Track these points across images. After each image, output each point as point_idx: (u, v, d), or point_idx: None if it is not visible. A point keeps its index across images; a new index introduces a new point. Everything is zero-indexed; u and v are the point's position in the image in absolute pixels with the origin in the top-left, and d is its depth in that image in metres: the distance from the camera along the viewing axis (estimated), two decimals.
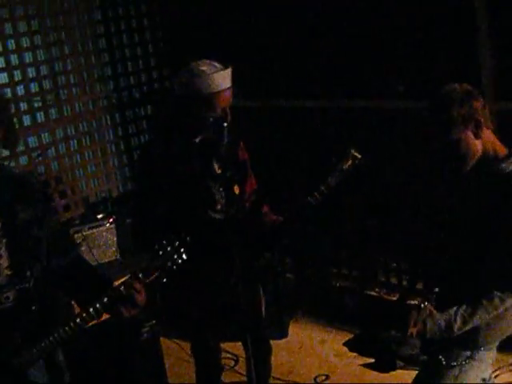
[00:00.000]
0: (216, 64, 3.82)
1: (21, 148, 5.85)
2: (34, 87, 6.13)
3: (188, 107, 3.83)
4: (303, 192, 3.84)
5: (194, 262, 3.77)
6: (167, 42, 6.91)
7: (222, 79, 3.77)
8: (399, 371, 4.95)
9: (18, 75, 6.01)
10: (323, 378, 5.10)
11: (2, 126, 2.90)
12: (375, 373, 5.06)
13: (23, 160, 6.05)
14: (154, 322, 4.71)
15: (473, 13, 4.88)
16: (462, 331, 3.15)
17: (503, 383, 4.68)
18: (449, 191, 3.39)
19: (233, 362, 5.32)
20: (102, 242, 5.56)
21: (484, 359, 3.32)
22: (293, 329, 5.76)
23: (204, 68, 3.77)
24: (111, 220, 5.66)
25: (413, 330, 3.10)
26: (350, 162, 3.73)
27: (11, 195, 2.99)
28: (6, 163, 3.66)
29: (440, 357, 3.30)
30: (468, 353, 3.29)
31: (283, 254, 5.84)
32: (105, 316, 3.03)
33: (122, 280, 3.02)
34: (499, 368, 4.73)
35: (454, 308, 3.14)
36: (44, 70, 6.20)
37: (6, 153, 2.97)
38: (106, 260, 5.60)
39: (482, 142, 3.15)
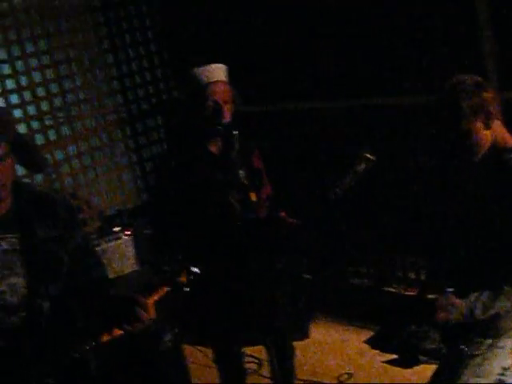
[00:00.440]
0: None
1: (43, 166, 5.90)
2: (44, 106, 6.20)
3: (193, 111, 3.90)
4: (317, 194, 3.87)
5: (213, 269, 3.84)
6: (172, 52, 6.97)
7: (212, 72, 3.85)
8: (422, 366, 4.97)
9: (27, 95, 6.08)
10: (346, 376, 5.13)
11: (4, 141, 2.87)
12: (398, 369, 5.09)
13: (38, 177, 6.13)
14: (176, 329, 4.76)
15: (473, 5, 4.91)
16: (484, 317, 3.18)
17: None
18: (460, 181, 3.42)
19: (257, 366, 5.35)
20: (120, 254, 5.61)
21: (505, 347, 3.34)
22: (313, 329, 5.80)
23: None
24: (128, 232, 5.71)
25: (440, 316, 3.14)
26: (363, 165, 3.75)
27: (31, 213, 3.02)
28: (25, 180, 3.68)
29: (462, 346, 3.33)
30: (490, 341, 3.30)
31: (300, 255, 5.89)
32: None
33: (127, 296, 3.04)
34: None
35: (475, 294, 3.18)
36: (53, 88, 6.27)
37: (21, 170, 2.98)
38: (125, 272, 5.65)
39: (492, 132, 3.18)
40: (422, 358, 5.01)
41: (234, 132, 3.56)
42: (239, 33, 6.27)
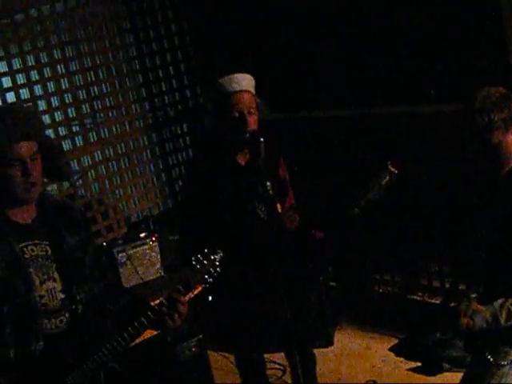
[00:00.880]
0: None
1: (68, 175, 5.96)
2: (71, 112, 6.26)
3: (218, 120, 3.92)
4: (342, 206, 3.87)
5: (238, 276, 3.86)
6: (199, 59, 7.01)
7: (237, 81, 3.87)
8: (446, 373, 4.96)
9: (55, 101, 6.15)
10: (371, 383, 5.13)
11: (30, 141, 2.91)
12: (422, 376, 5.08)
13: (65, 184, 6.19)
14: (200, 335, 4.78)
15: (501, 18, 4.90)
16: (508, 325, 3.18)
17: None
18: (488, 193, 3.42)
19: (281, 373, 5.36)
20: (145, 260, 5.63)
21: None
22: (338, 336, 5.79)
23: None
24: (154, 238, 5.73)
25: (464, 321, 3.13)
26: (387, 178, 3.75)
27: (57, 220, 3.07)
28: (49, 189, 3.73)
29: (488, 356, 3.32)
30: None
31: (325, 263, 5.89)
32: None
33: (164, 295, 3.08)
34: None
35: (500, 301, 3.17)
36: (81, 94, 6.33)
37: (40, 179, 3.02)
38: (151, 278, 5.67)
39: None
40: (445, 365, 4.99)
41: (261, 140, 3.57)
42: (266, 41, 6.30)
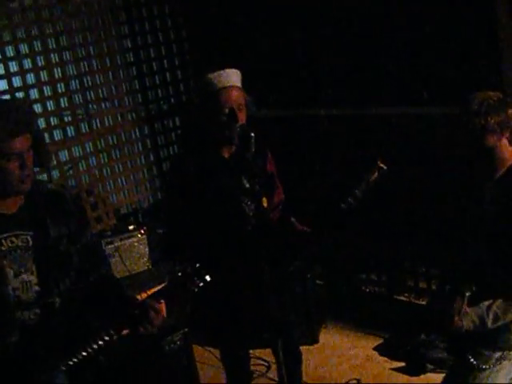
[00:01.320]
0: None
1: (52, 162, 5.96)
2: (63, 102, 6.25)
3: (206, 116, 3.91)
4: (330, 203, 3.88)
5: (224, 272, 3.86)
6: (193, 54, 7.01)
7: (227, 77, 3.85)
8: (429, 374, 4.98)
9: (48, 91, 6.13)
10: (355, 382, 5.13)
11: (25, 134, 2.93)
12: (406, 376, 5.09)
13: (55, 174, 6.18)
14: (186, 329, 4.79)
15: (494, 20, 4.92)
16: (493, 327, 3.19)
17: None
18: (480, 195, 3.43)
19: (265, 369, 5.37)
20: (133, 252, 5.63)
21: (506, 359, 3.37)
22: (323, 335, 5.80)
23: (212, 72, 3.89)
24: (142, 231, 5.74)
25: (457, 320, 3.15)
26: (376, 174, 3.76)
27: (44, 210, 3.06)
28: (39, 177, 3.72)
29: (471, 359, 3.34)
30: (499, 354, 3.33)
31: (312, 261, 5.90)
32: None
33: (142, 299, 3.09)
34: None
35: (486, 303, 3.19)
36: (74, 84, 6.32)
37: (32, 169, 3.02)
38: (138, 270, 5.68)
39: None
40: (429, 366, 5.01)
41: (252, 134, 3.57)
42: (260, 38, 6.30)
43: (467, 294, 3.18)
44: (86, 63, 6.37)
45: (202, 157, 3.97)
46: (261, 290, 3.63)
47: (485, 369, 3.34)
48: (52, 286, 3.03)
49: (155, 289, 3.19)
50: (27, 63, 6.00)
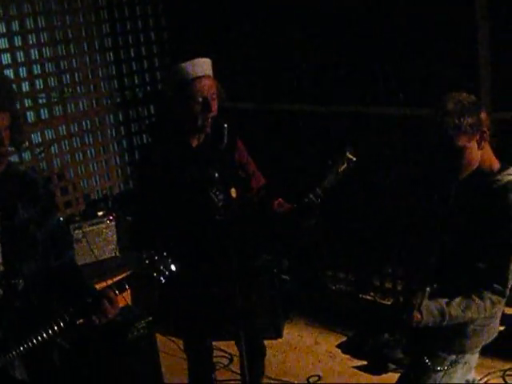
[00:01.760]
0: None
1: (24, 144, 5.91)
2: (39, 84, 6.20)
3: (178, 105, 3.90)
4: (299, 194, 3.88)
5: (191, 263, 3.86)
6: (172, 42, 6.99)
7: (200, 66, 3.83)
8: (390, 374, 5.01)
9: (23, 72, 6.08)
10: (316, 378, 5.16)
11: (5, 112, 2.91)
12: (367, 375, 5.12)
13: (26, 156, 6.14)
14: (150, 318, 4.78)
15: (474, 23, 4.95)
16: (451, 322, 3.21)
17: None
18: (444, 196, 3.46)
19: (227, 361, 5.38)
20: (101, 238, 5.63)
21: (468, 362, 3.41)
22: (288, 329, 5.82)
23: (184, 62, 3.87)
24: (111, 217, 5.73)
25: (416, 315, 3.17)
26: (345, 165, 3.78)
27: (15, 192, 3.03)
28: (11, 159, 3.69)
29: (426, 360, 3.38)
30: (453, 357, 3.37)
31: (280, 255, 5.91)
32: None
33: (100, 289, 3.08)
34: (489, 373, 4.80)
35: (446, 300, 3.21)
36: (50, 67, 6.27)
37: (10, 149, 2.99)
38: (105, 257, 5.67)
39: (482, 153, 3.23)
40: (391, 366, 5.05)
41: (225, 125, 3.56)
42: (240, 29, 6.30)
43: (428, 290, 3.20)
44: (63, 46, 6.32)
45: (171, 146, 3.96)
46: (227, 282, 3.62)
47: (439, 370, 3.38)
48: (17, 267, 2.99)
49: (120, 276, 3.17)
50: (3, 43, 5.94)
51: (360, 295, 5.91)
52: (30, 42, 6.09)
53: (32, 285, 3.05)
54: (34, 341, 2.88)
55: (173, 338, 5.56)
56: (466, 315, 3.21)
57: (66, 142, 6.43)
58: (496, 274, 3.19)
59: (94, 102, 6.62)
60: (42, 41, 6.18)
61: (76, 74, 6.44)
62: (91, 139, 6.61)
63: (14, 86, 5.90)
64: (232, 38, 6.37)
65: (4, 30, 5.92)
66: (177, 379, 5.08)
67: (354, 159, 3.80)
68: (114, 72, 6.76)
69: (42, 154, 6.19)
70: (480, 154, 3.22)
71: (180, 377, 4.95)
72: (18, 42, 6.00)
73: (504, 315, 4.68)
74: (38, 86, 6.18)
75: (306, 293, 6.09)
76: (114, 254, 5.68)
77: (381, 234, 5.61)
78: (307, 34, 5.86)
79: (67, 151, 6.41)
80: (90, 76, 6.54)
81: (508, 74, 4.94)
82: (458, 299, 3.21)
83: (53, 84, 6.32)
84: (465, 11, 4.96)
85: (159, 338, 5.17)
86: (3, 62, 5.92)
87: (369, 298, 5.87)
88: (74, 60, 6.41)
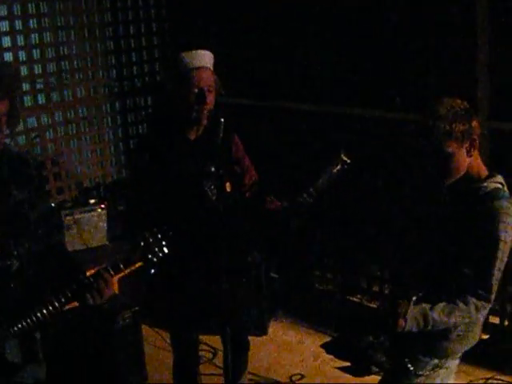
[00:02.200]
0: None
1: (20, 128, 5.91)
2: (37, 69, 6.19)
3: (176, 95, 3.90)
4: (292, 192, 3.90)
5: (181, 256, 3.86)
6: (174, 34, 6.98)
7: (199, 57, 3.84)
8: (373, 376, 5.01)
9: (22, 56, 6.07)
10: (299, 377, 5.18)
11: (5, 99, 2.92)
12: (349, 376, 5.11)
13: (21, 140, 6.13)
14: (136, 308, 4.78)
15: (474, 30, 4.97)
16: (435, 327, 3.23)
17: None
18: (432, 201, 3.48)
19: (211, 355, 5.39)
20: (92, 226, 5.62)
21: (450, 367, 3.42)
22: (273, 327, 5.84)
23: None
24: (103, 206, 5.72)
25: (401, 323, 3.18)
26: (339, 166, 3.79)
27: (8, 174, 3.05)
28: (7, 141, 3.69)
29: (408, 365, 3.39)
30: (436, 361, 3.39)
31: (270, 253, 5.92)
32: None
33: (95, 270, 3.08)
34: (471, 381, 4.82)
35: (430, 305, 3.23)
36: (49, 52, 6.26)
37: (6, 131, 3.00)
38: (95, 244, 5.66)
39: (471, 160, 3.24)
40: (374, 369, 5.04)
41: (221, 119, 3.56)
42: (241, 23, 6.31)
43: (414, 299, 3.21)
44: (64, 32, 6.31)
45: (168, 137, 3.97)
46: (216, 276, 3.63)
47: (420, 375, 3.41)
48: (11, 248, 3.01)
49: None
50: (4, 26, 5.93)
51: (347, 297, 5.93)
52: (31, 26, 6.08)
53: (26, 265, 3.06)
54: (29, 321, 2.89)
55: (159, 330, 5.56)
56: (449, 320, 3.23)
57: (62, 129, 6.42)
58: (481, 279, 3.20)
59: (91, 90, 6.61)
60: (43, 26, 6.16)
61: (75, 61, 6.43)
62: (87, 127, 6.60)
63: (13, 69, 5.92)
64: (233, 32, 6.37)
65: (5, 13, 5.90)
66: (161, 371, 5.09)
67: (349, 161, 3.81)
68: (113, 61, 6.76)
69: (37, 139, 6.18)
70: (469, 160, 3.23)
71: (164, 369, 4.96)
72: (19, 25, 5.99)
73: (488, 324, 4.75)
74: (36, 71, 6.17)
75: (294, 292, 6.11)
76: (103, 243, 5.67)
77: (370, 236, 5.62)
78: (308, 33, 5.88)
79: (62, 137, 6.40)
80: (89, 64, 6.53)
81: (507, 84, 4.97)
82: (442, 304, 3.22)
83: (51, 70, 6.31)
84: (465, 17, 4.98)
85: (145, 329, 5.17)
86: (3, 45, 5.91)
87: (356, 300, 5.88)
88: (73, 47, 6.41)
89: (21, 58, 6.05)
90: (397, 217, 5.25)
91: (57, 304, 2.94)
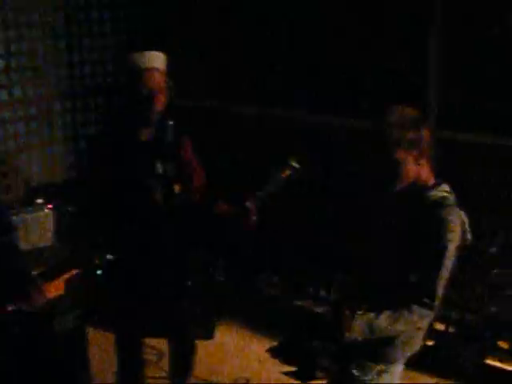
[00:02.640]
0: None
1: None
2: None
3: (128, 95, 3.89)
4: (241, 196, 3.90)
5: (128, 257, 3.84)
6: (129, 35, 6.94)
7: (150, 58, 3.83)
8: (318, 382, 5.03)
9: None
10: (243, 381, 5.18)
11: None
12: (294, 381, 5.14)
13: None
14: (81, 310, 4.73)
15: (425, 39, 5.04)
16: (380, 335, 3.26)
17: None
18: (378, 207, 3.51)
19: (156, 358, 5.36)
20: (38, 226, 5.57)
21: (394, 372, 3.45)
22: (219, 331, 5.83)
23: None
24: (50, 206, 5.67)
25: (347, 333, 3.20)
26: (288, 172, 3.81)
27: None
28: None
29: (353, 370, 3.42)
30: (380, 367, 3.41)
31: (217, 255, 5.92)
32: None
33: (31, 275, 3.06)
34: None
35: (375, 313, 3.25)
36: None
37: None
38: (42, 245, 5.61)
39: (419, 168, 3.28)
40: (319, 374, 5.06)
41: (170, 122, 3.56)
42: (194, 25, 6.30)
43: (359, 313, 3.24)
44: (14, 30, 6.24)
45: (119, 138, 3.94)
46: (160, 278, 3.62)
47: (365, 380, 3.43)
48: None
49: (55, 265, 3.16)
50: None
51: (294, 301, 5.94)
52: None
53: None
54: None
55: (104, 332, 5.51)
56: (394, 328, 3.25)
57: (11, 127, 6.34)
58: (426, 287, 3.23)
59: (42, 88, 6.54)
60: None
61: (25, 59, 6.35)
62: (37, 126, 6.53)
63: None
64: (187, 34, 6.36)
65: None
66: (106, 373, 5.05)
67: (298, 166, 3.83)
68: (64, 60, 6.69)
69: None
70: (417, 168, 3.27)
71: (109, 371, 4.92)
72: None
73: (433, 330, 4.79)
74: None
75: (241, 295, 6.10)
76: (50, 243, 5.62)
77: (319, 242, 5.65)
78: (260, 35, 5.90)
79: (11, 136, 6.32)
80: (41, 62, 6.46)
81: (455, 94, 5.05)
82: (387, 312, 3.24)
83: (1, 67, 6.23)
84: (418, 26, 5.05)
85: (91, 330, 5.12)
86: None
87: (303, 304, 5.90)
88: (24, 44, 6.33)
89: None
90: (346, 223, 5.29)
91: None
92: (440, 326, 5.13)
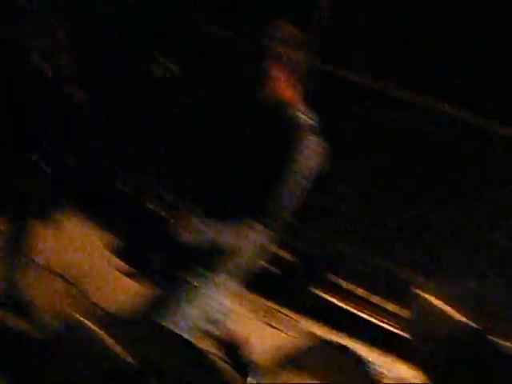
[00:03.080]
0: None
1: None
2: None
3: None
4: None
5: None
6: None
7: None
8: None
9: None
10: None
11: None
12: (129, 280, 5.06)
13: None
14: None
15: None
16: (214, 242, 3.29)
17: None
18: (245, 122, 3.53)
19: None
20: None
21: (223, 285, 3.46)
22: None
23: None
24: None
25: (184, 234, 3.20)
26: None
27: None
28: None
29: (181, 274, 3.43)
30: (209, 274, 3.43)
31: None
32: None
33: None
34: (255, 310, 4.92)
35: (213, 220, 3.29)
36: None
37: None
38: None
39: (288, 88, 3.32)
40: (157, 278, 5.05)
41: None
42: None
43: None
44: None
45: None
46: None
47: (193, 285, 3.41)
48: None
49: None
50: None
51: (141, 202, 5.87)
52: None
53: None
54: None
55: None
56: (227, 238, 3.28)
57: None
58: (267, 201, 3.25)
59: None
60: None
61: None
62: None
63: None
64: None
65: None
66: None
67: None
68: None
69: None
70: (287, 88, 3.31)
71: None
72: None
73: (278, 258, 4.86)
74: None
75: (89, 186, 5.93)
76: None
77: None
78: None
79: None
80: None
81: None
82: (224, 221, 3.27)
83: None
84: None
85: None
86: None
87: (151, 207, 5.85)
88: None
89: None
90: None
91: None
92: (286, 255, 5.20)
